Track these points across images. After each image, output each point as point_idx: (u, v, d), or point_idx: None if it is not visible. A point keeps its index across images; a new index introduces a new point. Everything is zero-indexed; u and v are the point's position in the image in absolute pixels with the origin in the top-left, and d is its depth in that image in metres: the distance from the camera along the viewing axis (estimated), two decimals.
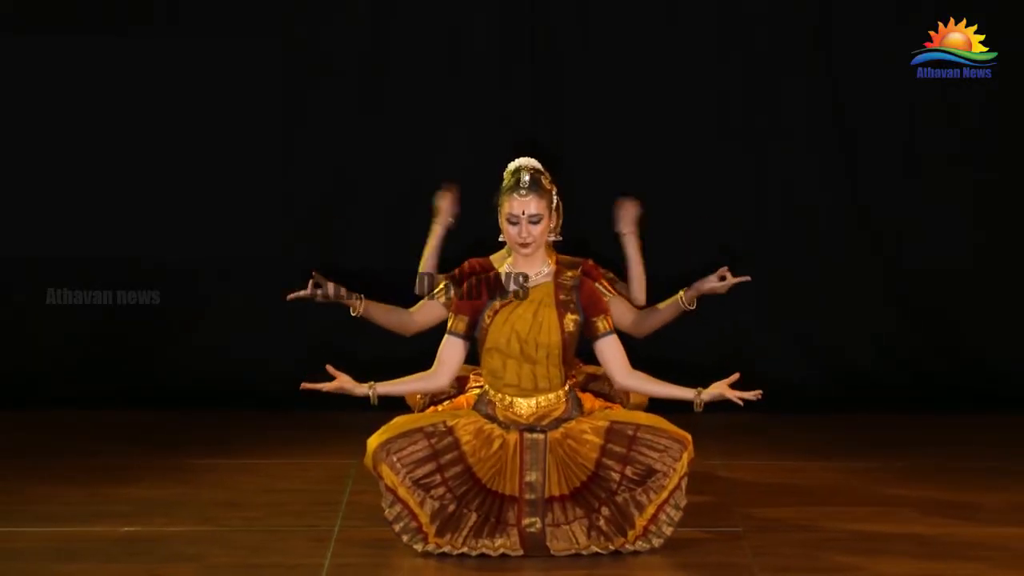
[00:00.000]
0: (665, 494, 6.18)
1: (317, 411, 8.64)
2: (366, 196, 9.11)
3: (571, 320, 6.30)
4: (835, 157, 9.15)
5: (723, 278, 6.82)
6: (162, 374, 9.03)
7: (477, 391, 6.51)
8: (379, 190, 9.07)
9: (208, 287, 9.10)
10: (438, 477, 6.18)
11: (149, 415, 8.67)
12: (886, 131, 9.14)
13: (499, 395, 6.32)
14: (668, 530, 6.21)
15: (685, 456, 6.19)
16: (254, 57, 8.99)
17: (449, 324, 6.36)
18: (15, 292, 9.07)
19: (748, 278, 6.86)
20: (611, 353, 6.33)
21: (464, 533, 6.16)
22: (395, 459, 6.17)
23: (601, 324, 6.32)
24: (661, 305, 6.86)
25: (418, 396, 6.86)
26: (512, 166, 6.47)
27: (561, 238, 6.52)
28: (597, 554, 6.17)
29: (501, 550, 6.15)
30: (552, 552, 6.16)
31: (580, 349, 6.44)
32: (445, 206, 6.97)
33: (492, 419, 6.31)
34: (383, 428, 6.27)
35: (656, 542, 6.20)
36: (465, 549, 6.16)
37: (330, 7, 9.02)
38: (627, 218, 6.92)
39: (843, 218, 9.15)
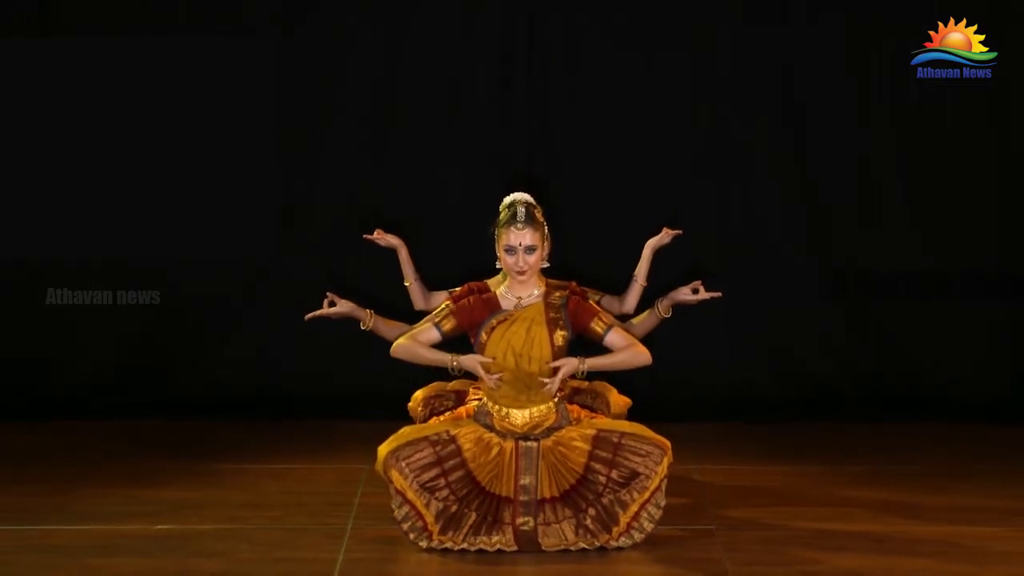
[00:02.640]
0: (647, 495, 6.22)
1: (332, 421, 8.67)
2: (378, 222, 9.11)
3: (560, 336, 6.34)
4: (796, 189, 9.06)
5: (696, 291, 6.86)
6: (192, 388, 8.95)
7: (476, 403, 6.54)
8: (389, 217, 9.06)
9: (233, 306, 9.04)
10: (442, 481, 6.22)
11: (180, 425, 8.61)
12: (842, 163, 9.04)
13: (496, 406, 6.36)
14: (649, 527, 6.25)
15: (665, 460, 6.24)
16: (282, 92, 8.97)
17: (438, 318, 6.38)
18: (62, 312, 8.98)
19: (719, 294, 6.90)
20: (620, 343, 6.36)
21: (464, 531, 6.20)
22: (404, 465, 6.21)
23: (598, 326, 6.35)
24: (637, 320, 6.90)
25: (419, 408, 6.89)
26: (508, 200, 6.51)
27: (548, 264, 6.57)
28: (584, 549, 6.21)
29: (497, 546, 6.19)
30: (543, 548, 6.20)
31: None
32: (388, 242, 7.09)
33: (491, 429, 6.34)
34: (392, 437, 6.30)
35: (638, 537, 6.25)
36: (465, 545, 6.20)
37: (346, 52, 9.00)
38: (657, 242, 6.95)
39: (805, 243, 9.07)
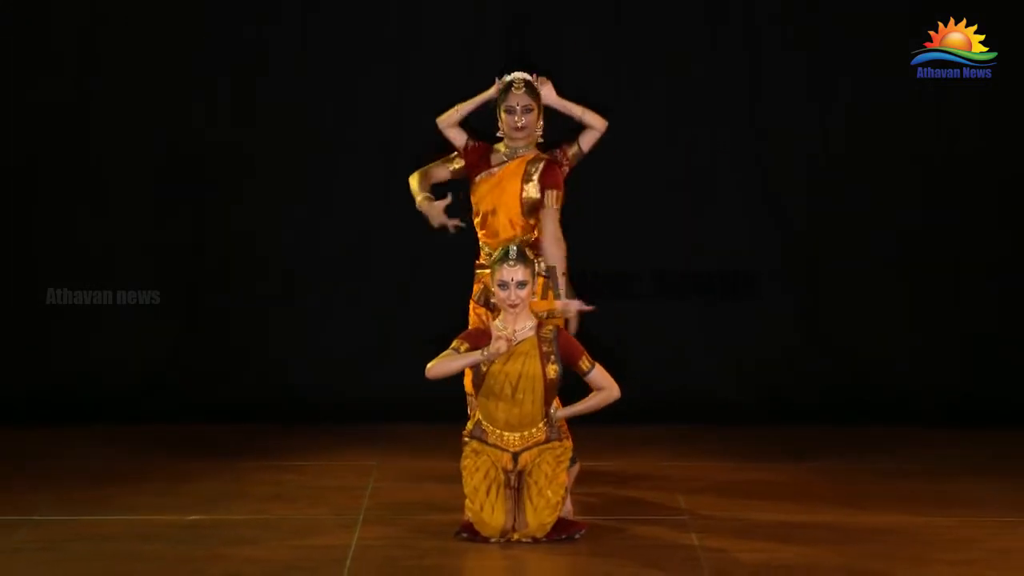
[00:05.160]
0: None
1: (345, 424, 8.69)
2: (385, 242, 9.19)
3: (552, 369, 6.37)
4: (762, 209, 9.00)
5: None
6: (219, 395, 8.95)
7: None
8: (395, 236, 9.16)
9: (255, 321, 9.06)
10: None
11: (209, 428, 8.66)
12: (823, 164, 8.91)
13: (492, 428, 6.45)
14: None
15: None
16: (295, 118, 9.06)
17: (455, 344, 6.38)
18: (96, 328, 8.97)
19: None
20: (600, 383, 6.47)
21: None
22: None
23: (584, 364, 6.41)
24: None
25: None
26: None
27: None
28: (569, 536, 6.28)
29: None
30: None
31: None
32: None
33: (484, 442, 6.42)
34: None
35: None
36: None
37: (356, 87, 9.07)
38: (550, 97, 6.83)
39: (771, 259, 9.02)
